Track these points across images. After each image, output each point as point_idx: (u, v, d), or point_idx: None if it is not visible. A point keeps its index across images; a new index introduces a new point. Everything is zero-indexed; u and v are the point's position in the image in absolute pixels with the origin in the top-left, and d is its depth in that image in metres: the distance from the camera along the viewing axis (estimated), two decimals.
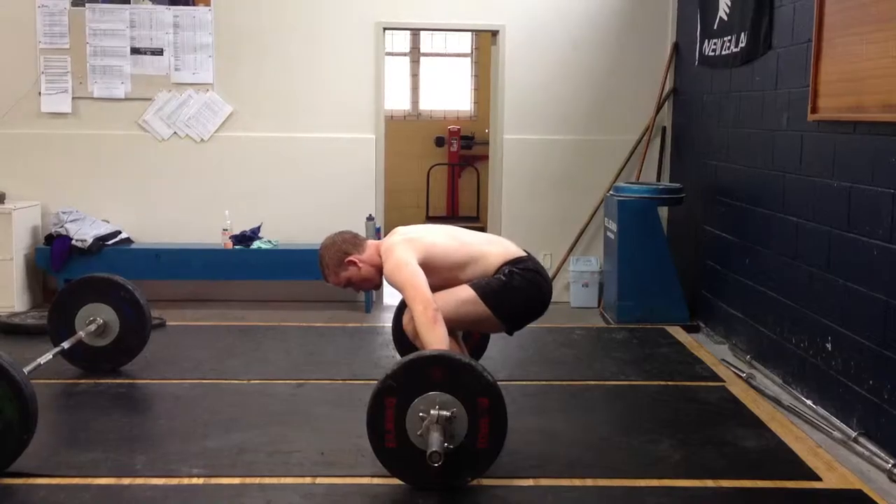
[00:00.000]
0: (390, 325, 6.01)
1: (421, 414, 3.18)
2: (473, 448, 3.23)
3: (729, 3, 5.54)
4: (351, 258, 3.93)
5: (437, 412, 3.16)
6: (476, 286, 3.79)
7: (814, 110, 4.37)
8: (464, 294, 3.77)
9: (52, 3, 6.50)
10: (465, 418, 3.20)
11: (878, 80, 3.80)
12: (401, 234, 3.96)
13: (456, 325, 3.77)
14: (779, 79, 4.87)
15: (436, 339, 3.48)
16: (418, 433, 3.19)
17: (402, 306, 4.29)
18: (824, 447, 3.80)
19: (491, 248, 3.94)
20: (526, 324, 4.00)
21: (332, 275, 4.00)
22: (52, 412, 4.01)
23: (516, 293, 3.81)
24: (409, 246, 3.80)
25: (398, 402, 3.21)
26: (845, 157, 4.11)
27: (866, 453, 3.76)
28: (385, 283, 3.95)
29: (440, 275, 3.79)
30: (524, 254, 3.95)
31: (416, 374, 3.23)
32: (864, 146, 3.94)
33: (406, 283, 3.65)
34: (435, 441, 3.09)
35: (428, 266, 3.73)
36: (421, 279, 3.65)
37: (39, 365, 4.00)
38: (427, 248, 3.81)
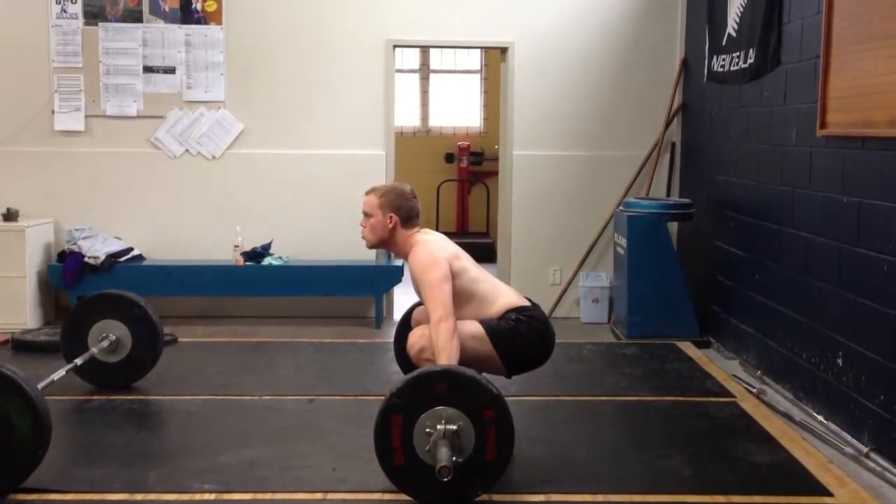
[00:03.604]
0: None
1: (427, 430, 3.19)
2: (482, 461, 3.22)
3: (737, 20, 5.57)
4: (396, 216, 3.83)
5: (443, 427, 3.17)
6: (485, 324, 3.73)
7: (822, 126, 4.38)
8: (473, 329, 3.70)
9: (65, 22, 6.57)
10: (471, 431, 3.20)
11: (886, 95, 3.81)
12: (440, 238, 3.91)
13: (464, 357, 3.70)
14: (787, 94, 4.88)
15: (450, 350, 3.47)
16: (426, 449, 3.19)
17: (404, 323, 4.27)
18: (836, 463, 3.79)
19: (500, 291, 3.89)
20: (525, 371, 3.93)
21: (375, 202, 3.87)
22: (65, 428, 4.03)
23: (523, 340, 3.75)
24: (447, 254, 3.77)
25: (404, 418, 3.21)
26: (854, 173, 4.12)
27: (878, 469, 3.75)
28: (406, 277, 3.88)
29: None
30: (529, 303, 3.89)
31: (421, 389, 3.23)
32: (873, 161, 3.95)
33: (433, 285, 3.61)
34: (444, 456, 3.09)
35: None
36: (448, 287, 3.63)
37: (53, 381, 4.02)
38: (458, 269, 3.76)
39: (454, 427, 3.18)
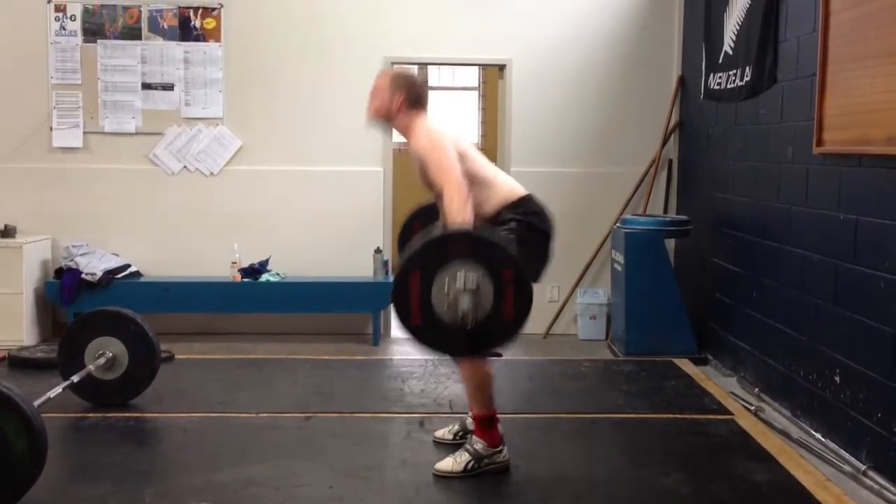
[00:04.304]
0: (398, 357, 6.05)
1: (447, 287, 3.19)
2: (500, 319, 3.23)
3: (734, 38, 5.59)
4: (404, 97, 3.85)
5: (462, 278, 3.17)
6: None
7: (819, 143, 4.39)
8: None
9: (64, 39, 6.59)
10: (490, 290, 3.21)
11: (882, 113, 3.82)
12: (444, 125, 3.91)
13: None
14: (784, 112, 4.90)
15: (465, 216, 3.48)
16: (445, 307, 3.20)
17: (407, 229, 4.30)
18: (833, 481, 3.78)
19: (499, 179, 3.87)
20: (543, 268, 3.90)
21: (386, 81, 3.90)
22: (61, 446, 4.02)
23: (528, 244, 3.70)
24: (451, 137, 3.77)
25: (423, 277, 3.21)
26: (851, 190, 4.13)
27: (875, 487, 3.74)
28: None
29: None
30: (524, 193, 3.86)
31: (439, 250, 3.25)
32: (869, 179, 3.96)
33: (442, 162, 3.61)
34: (465, 302, 3.12)
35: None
36: (456, 161, 3.63)
37: (49, 398, 4.01)
38: (461, 152, 3.74)
39: (473, 279, 3.17)
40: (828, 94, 4.32)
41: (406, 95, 3.85)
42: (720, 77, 5.84)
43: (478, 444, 3.74)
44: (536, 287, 6.90)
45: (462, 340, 3.21)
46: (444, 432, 4.16)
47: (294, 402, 4.80)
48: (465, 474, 3.70)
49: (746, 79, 5.35)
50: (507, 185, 3.88)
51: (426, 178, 3.76)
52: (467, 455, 3.73)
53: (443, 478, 3.71)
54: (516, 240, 3.67)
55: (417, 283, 3.22)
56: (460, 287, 3.17)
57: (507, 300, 3.22)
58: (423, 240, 3.34)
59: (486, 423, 3.76)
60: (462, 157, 3.73)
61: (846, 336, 4.14)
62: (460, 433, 4.10)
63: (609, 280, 6.66)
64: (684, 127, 6.78)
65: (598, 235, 6.84)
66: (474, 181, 3.73)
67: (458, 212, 3.50)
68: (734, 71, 5.58)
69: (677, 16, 6.78)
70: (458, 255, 3.21)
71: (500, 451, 3.78)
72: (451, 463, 3.72)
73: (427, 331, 3.27)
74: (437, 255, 3.23)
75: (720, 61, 5.84)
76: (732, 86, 5.62)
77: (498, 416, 3.83)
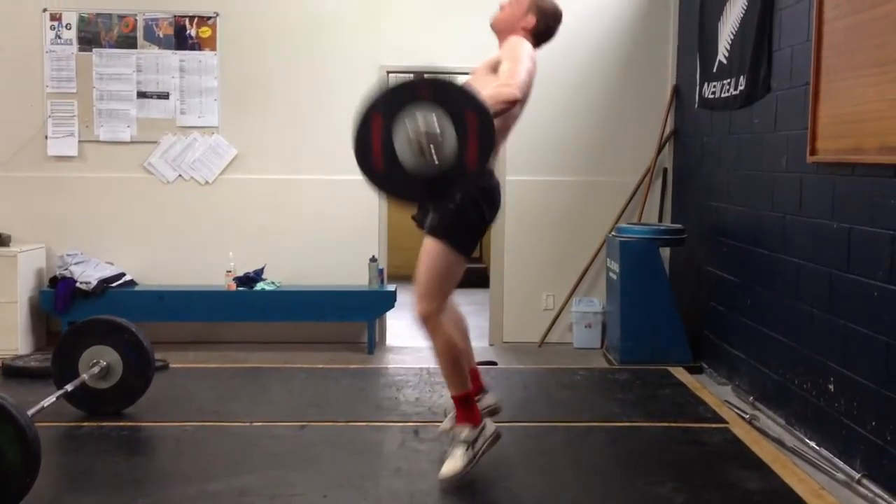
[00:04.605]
0: (393, 366, 6.04)
1: (409, 128, 3.08)
2: (462, 167, 3.14)
3: (728, 47, 5.61)
4: (535, 23, 3.90)
5: (425, 120, 3.06)
6: (434, 231, 3.63)
7: (813, 152, 4.41)
8: (433, 251, 3.64)
9: (59, 48, 6.60)
10: (453, 136, 3.11)
11: (875, 122, 3.83)
12: None
13: (448, 289, 3.69)
14: (778, 121, 4.91)
15: (499, 99, 3.39)
16: (407, 151, 3.10)
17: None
18: (828, 489, 3.78)
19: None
20: (482, 234, 3.85)
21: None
22: (54, 455, 4.00)
23: (471, 218, 3.65)
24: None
25: (384, 120, 3.12)
26: (844, 199, 4.14)
27: (870, 495, 3.74)
28: None
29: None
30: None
31: (404, 93, 3.15)
32: (863, 188, 3.97)
33: (522, 59, 3.60)
34: (427, 145, 3.03)
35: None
36: (531, 75, 3.64)
37: (43, 408, 4.00)
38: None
39: (435, 121, 3.07)
40: (821, 104, 4.33)
41: (538, 22, 3.87)
42: (714, 86, 5.86)
43: (463, 431, 3.73)
44: (532, 294, 6.94)
45: (423, 187, 3.11)
46: (446, 422, 4.14)
47: (288, 411, 4.79)
48: (472, 463, 3.69)
49: (741, 88, 5.37)
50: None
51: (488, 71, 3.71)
52: (461, 448, 3.71)
53: (440, 486, 3.67)
54: (460, 214, 3.60)
55: (380, 126, 3.12)
56: (423, 129, 3.05)
57: (471, 145, 3.12)
58: (390, 83, 3.24)
59: (465, 402, 3.75)
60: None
61: (840, 344, 4.15)
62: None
63: (604, 288, 6.67)
64: (679, 136, 6.80)
65: (593, 244, 6.85)
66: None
67: (497, 94, 3.39)
68: (728, 80, 5.60)
69: (672, 25, 6.81)
70: (422, 98, 3.11)
71: (484, 427, 3.77)
72: (453, 463, 3.69)
73: (388, 177, 3.17)
74: (400, 99, 3.12)
75: (714, 70, 5.86)
76: (727, 95, 5.63)
77: (476, 368, 3.90)
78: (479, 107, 3.15)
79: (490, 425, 3.82)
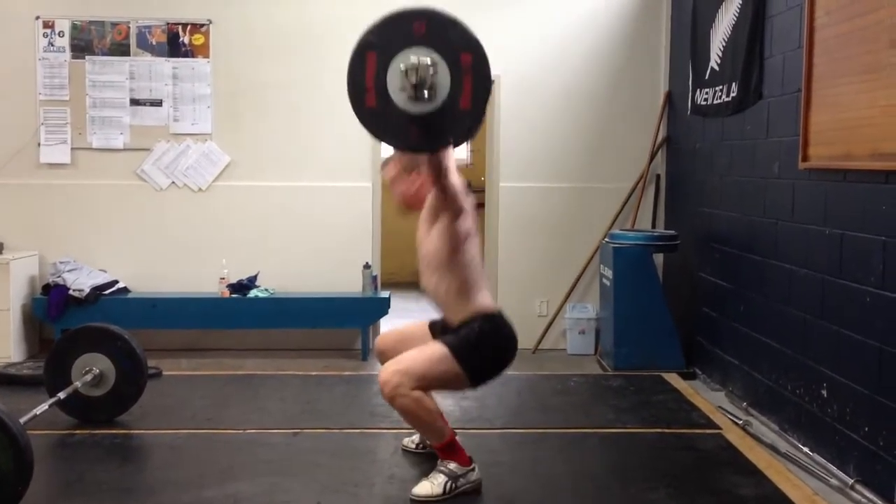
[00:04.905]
0: None
1: (402, 67, 3.04)
2: (456, 108, 3.08)
3: (720, 54, 5.63)
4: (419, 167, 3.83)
5: (419, 60, 3.02)
6: (448, 343, 3.67)
7: (804, 158, 4.42)
8: (438, 351, 3.65)
9: (52, 55, 6.60)
10: (447, 75, 3.06)
11: (866, 129, 3.85)
12: None
13: (433, 382, 3.64)
14: (770, 127, 4.93)
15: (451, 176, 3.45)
16: (400, 89, 3.06)
17: None
18: (821, 495, 3.79)
19: (482, 286, 3.82)
20: (491, 379, 3.82)
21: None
22: (47, 463, 3.99)
23: (487, 351, 3.71)
24: (472, 206, 3.74)
25: (378, 57, 3.08)
26: (836, 205, 4.15)
27: (863, 500, 3.75)
28: None
29: (449, 258, 3.69)
30: (496, 310, 3.83)
31: (398, 28, 3.10)
32: (854, 194, 3.98)
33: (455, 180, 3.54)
34: (421, 82, 2.99)
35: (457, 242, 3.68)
36: (464, 193, 3.60)
37: (35, 415, 3.99)
38: (472, 230, 3.73)
39: (428, 60, 3.02)
40: (813, 110, 4.35)
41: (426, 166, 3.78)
42: (707, 93, 5.88)
43: (450, 464, 3.72)
44: (526, 300, 6.94)
45: (416, 126, 3.07)
46: (409, 441, 4.18)
47: (282, 419, 4.78)
48: (446, 496, 3.66)
49: (733, 94, 5.39)
50: (487, 296, 3.83)
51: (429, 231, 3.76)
52: (443, 476, 3.68)
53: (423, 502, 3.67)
54: (479, 344, 3.66)
55: (374, 62, 3.08)
56: (416, 66, 3.01)
57: (465, 87, 3.07)
58: (384, 15, 3.17)
59: (449, 448, 3.73)
60: (473, 236, 3.74)
61: (833, 350, 4.16)
62: (421, 444, 4.12)
63: (598, 295, 6.68)
64: (672, 142, 6.81)
65: (587, 250, 6.86)
66: (468, 266, 3.73)
67: (450, 171, 3.42)
68: (720, 87, 5.61)
69: (664, 32, 6.83)
70: (416, 34, 3.07)
71: (473, 470, 3.75)
72: (430, 486, 3.66)
73: (380, 115, 3.11)
74: (395, 34, 3.09)
75: (707, 77, 5.88)
76: (719, 101, 5.65)
77: (457, 437, 3.79)
78: (475, 46, 3.09)
79: (478, 473, 3.77)
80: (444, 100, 3.06)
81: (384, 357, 3.96)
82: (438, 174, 3.43)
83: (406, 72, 3.02)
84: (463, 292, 3.73)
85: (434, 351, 3.66)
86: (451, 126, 3.12)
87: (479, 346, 3.68)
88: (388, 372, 3.59)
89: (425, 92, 3.02)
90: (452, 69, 3.06)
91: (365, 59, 3.10)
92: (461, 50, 3.07)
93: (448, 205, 3.59)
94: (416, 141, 3.16)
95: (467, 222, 3.69)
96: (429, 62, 3.01)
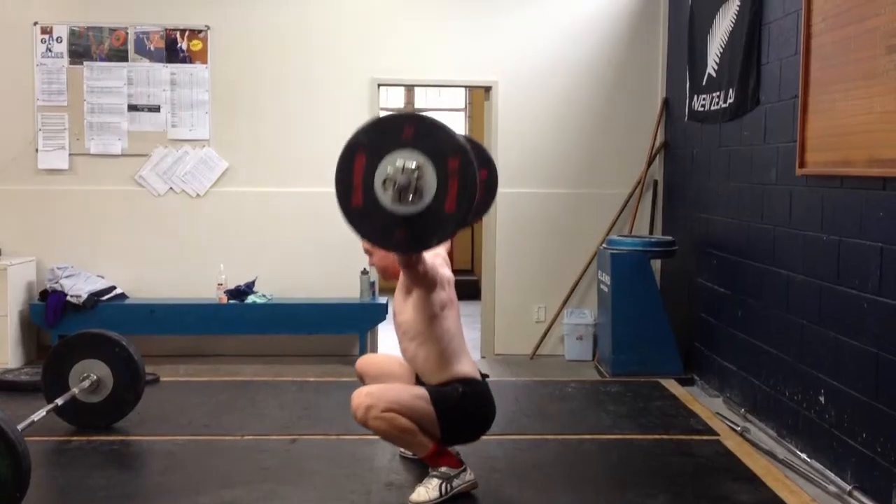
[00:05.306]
0: None
1: (390, 170, 3.11)
2: (440, 211, 3.13)
3: (717, 60, 5.64)
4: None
5: (406, 162, 3.09)
6: (431, 389, 3.73)
7: (801, 165, 4.43)
8: (419, 390, 3.73)
9: (50, 61, 6.60)
10: (433, 178, 3.12)
11: (863, 135, 3.86)
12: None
13: (405, 412, 3.65)
14: (767, 134, 4.94)
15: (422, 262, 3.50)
16: (386, 190, 3.11)
17: None
18: (819, 501, 3.79)
19: (464, 352, 3.87)
20: (458, 443, 3.87)
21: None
22: (44, 469, 3.99)
23: (463, 414, 3.75)
24: (447, 274, 3.82)
25: (367, 157, 3.15)
26: (833, 211, 4.16)
27: None
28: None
29: (427, 328, 3.76)
30: (481, 377, 3.89)
31: (388, 130, 3.17)
32: (851, 200, 3.99)
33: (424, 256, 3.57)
34: (405, 185, 3.05)
35: (432, 315, 3.73)
36: (436, 266, 3.66)
37: (33, 422, 3.99)
38: (447, 299, 3.79)
39: (413, 165, 3.09)
40: (810, 117, 4.36)
41: None
42: (704, 99, 5.89)
43: (441, 468, 3.73)
44: (523, 306, 6.94)
45: (400, 228, 3.12)
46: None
47: (279, 425, 4.78)
48: (442, 497, 3.68)
49: (730, 101, 5.40)
50: (470, 363, 3.88)
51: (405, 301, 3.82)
52: (436, 479, 3.71)
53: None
54: (458, 404, 3.71)
55: (363, 162, 3.15)
56: (403, 169, 3.08)
57: (451, 191, 3.12)
58: (374, 117, 3.26)
59: (438, 454, 3.75)
60: (449, 304, 3.79)
61: (830, 356, 4.16)
62: None
63: (595, 301, 6.68)
64: (669, 148, 6.82)
65: (585, 256, 6.87)
66: (445, 335, 3.77)
67: (421, 260, 3.48)
68: (718, 93, 5.62)
69: (661, 38, 6.84)
70: (405, 137, 3.14)
71: (465, 471, 3.78)
72: (425, 492, 3.68)
73: (366, 214, 3.17)
74: (384, 136, 3.16)
75: (704, 83, 5.89)
76: (716, 107, 5.66)
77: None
78: (462, 151, 3.15)
79: (471, 473, 3.80)
80: (429, 202, 3.12)
81: (363, 380, 4.05)
82: (406, 263, 3.48)
83: (393, 173, 3.09)
84: (442, 360, 3.78)
85: (414, 388, 3.75)
86: (435, 228, 3.17)
87: (460, 404, 3.73)
88: (360, 396, 3.65)
89: (410, 195, 3.09)
90: (439, 172, 3.12)
91: (354, 159, 3.17)
92: (448, 154, 3.13)
93: (418, 284, 3.66)
94: (400, 241, 3.22)
95: (443, 294, 3.75)
96: (413, 166, 3.09)
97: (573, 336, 6.80)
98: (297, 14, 6.72)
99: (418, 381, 3.92)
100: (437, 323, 3.75)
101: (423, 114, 3.29)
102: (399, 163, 3.09)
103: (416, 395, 3.69)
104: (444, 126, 3.19)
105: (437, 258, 3.84)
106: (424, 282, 3.63)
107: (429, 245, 3.26)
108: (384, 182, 3.10)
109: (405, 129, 3.15)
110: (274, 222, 6.80)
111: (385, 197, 3.12)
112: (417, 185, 3.09)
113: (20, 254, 6.57)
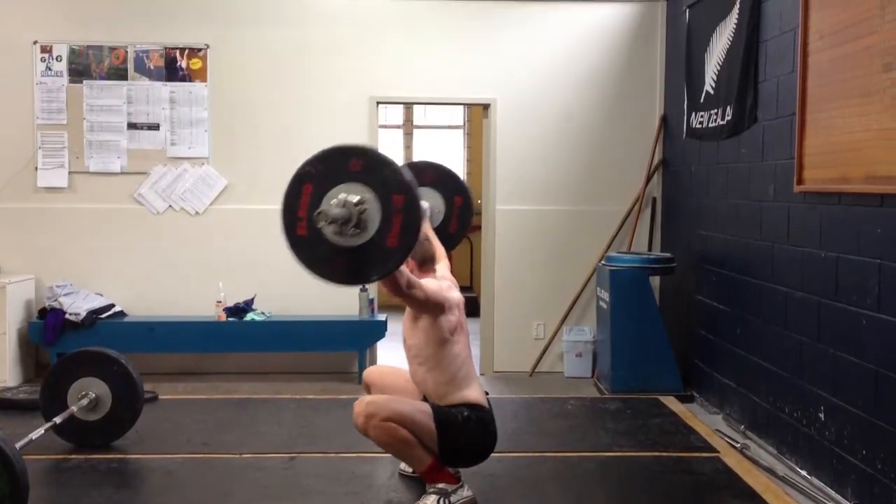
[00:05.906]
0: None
1: (334, 203, 3.14)
2: (383, 245, 3.15)
3: (715, 78, 5.66)
4: (412, 261, 3.88)
5: (349, 197, 3.12)
6: (436, 408, 3.74)
7: (799, 182, 4.44)
8: (423, 406, 3.75)
9: (50, 79, 6.62)
10: (378, 213, 3.14)
11: (860, 152, 3.87)
12: (454, 284, 3.99)
13: (406, 424, 3.66)
14: (765, 151, 4.95)
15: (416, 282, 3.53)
16: (329, 221, 3.13)
17: None
18: None
19: (473, 378, 3.88)
20: (456, 465, 3.87)
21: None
22: (43, 488, 3.98)
23: (465, 438, 3.76)
24: (456, 297, 3.83)
25: (314, 189, 3.18)
26: (831, 228, 4.17)
27: None
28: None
29: (436, 352, 3.77)
30: (487, 404, 3.89)
31: (336, 162, 3.20)
32: (849, 217, 4.00)
33: (428, 287, 3.60)
34: (350, 197, 3.09)
35: (442, 339, 3.76)
36: (442, 294, 3.69)
37: (31, 440, 3.98)
38: (457, 323, 3.80)
39: (356, 198, 3.12)
40: (807, 134, 4.38)
41: (413, 258, 3.88)
42: (702, 116, 5.91)
43: (438, 484, 3.73)
44: (523, 323, 6.93)
45: (342, 260, 3.15)
46: (405, 466, 4.18)
47: (278, 443, 4.77)
48: None
49: (728, 118, 5.42)
50: (477, 389, 3.89)
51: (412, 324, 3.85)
52: (434, 495, 3.71)
53: None
54: (461, 427, 3.72)
55: (309, 193, 3.19)
56: (346, 202, 3.12)
57: (394, 227, 3.14)
58: (324, 149, 3.29)
59: (435, 470, 3.75)
60: (458, 329, 3.81)
61: (829, 373, 4.16)
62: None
63: (594, 317, 6.68)
64: (667, 165, 6.84)
65: (584, 273, 6.87)
66: (455, 361, 3.79)
67: (409, 279, 3.49)
68: (715, 110, 5.64)
69: (659, 56, 6.87)
70: (354, 172, 3.17)
71: (463, 487, 3.78)
72: None
73: (310, 244, 3.21)
74: (331, 168, 3.19)
75: (702, 101, 5.91)
76: (714, 125, 5.68)
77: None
78: (407, 188, 3.17)
79: (468, 490, 3.81)
80: (371, 236, 3.15)
81: (369, 390, 4.05)
82: (396, 292, 3.48)
83: (327, 208, 3.13)
84: (451, 387, 3.80)
85: (418, 402, 3.76)
86: (376, 262, 3.19)
87: (462, 427, 3.73)
88: (362, 404, 3.68)
89: (351, 227, 3.12)
90: (384, 208, 3.15)
91: (301, 189, 3.22)
92: (394, 191, 3.16)
93: (421, 310, 3.69)
94: (340, 272, 3.24)
95: (451, 318, 3.76)
96: (355, 200, 3.13)
97: (572, 353, 6.79)
98: (297, 33, 6.75)
99: (425, 399, 3.91)
100: (446, 348, 3.76)
101: (372, 147, 3.33)
102: (341, 196, 3.13)
103: (418, 410, 3.69)
104: (391, 162, 3.22)
105: (444, 281, 3.85)
106: (427, 308, 3.65)
107: (369, 278, 3.29)
108: (318, 214, 3.14)
109: (353, 162, 3.19)
110: (273, 239, 6.73)
111: (328, 229, 3.15)
112: (360, 218, 3.13)
113: (19, 272, 6.56)
